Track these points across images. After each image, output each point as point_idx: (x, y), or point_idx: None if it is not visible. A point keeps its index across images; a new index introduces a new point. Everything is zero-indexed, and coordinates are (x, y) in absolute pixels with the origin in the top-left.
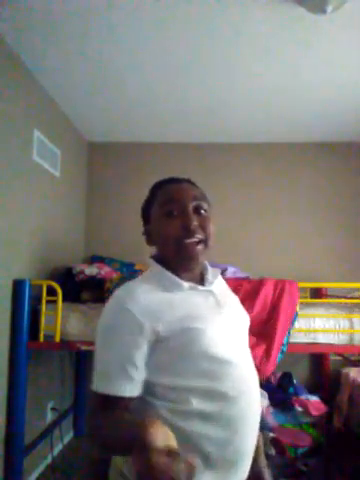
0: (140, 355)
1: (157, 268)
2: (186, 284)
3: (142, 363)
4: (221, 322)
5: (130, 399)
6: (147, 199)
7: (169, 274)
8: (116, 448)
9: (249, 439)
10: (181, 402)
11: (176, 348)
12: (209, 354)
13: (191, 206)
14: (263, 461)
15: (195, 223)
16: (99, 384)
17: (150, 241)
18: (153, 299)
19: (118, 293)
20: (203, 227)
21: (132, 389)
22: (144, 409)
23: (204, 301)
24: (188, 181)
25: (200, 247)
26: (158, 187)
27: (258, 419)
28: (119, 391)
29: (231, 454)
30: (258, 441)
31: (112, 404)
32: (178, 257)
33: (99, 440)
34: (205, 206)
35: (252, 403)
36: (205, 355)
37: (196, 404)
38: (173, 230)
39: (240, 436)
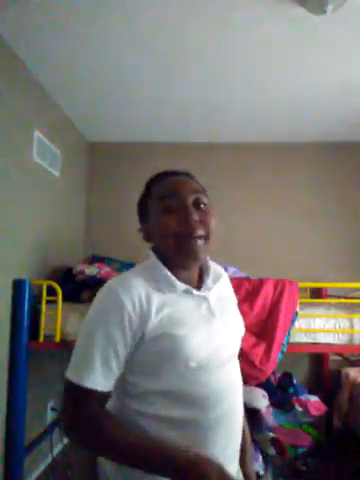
0: (124, 350)
1: (155, 262)
2: (181, 286)
3: (124, 359)
4: (209, 331)
5: (103, 394)
6: (143, 194)
7: (165, 272)
8: (129, 462)
9: (219, 446)
10: (153, 405)
11: (155, 351)
12: (187, 363)
13: (190, 200)
14: (250, 466)
15: (195, 218)
16: (76, 374)
17: (147, 238)
18: (145, 297)
19: (112, 284)
20: (203, 222)
21: (108, 384)
22: (118, 408)
23: (195, 307)
24: (186, 173)
25: (201, 243)
26: (154, 180)
27: (238, 428)
28: (96, 384)
29: None
30: (246, 445)
31: (86, 396)
32: (178, 254)
33: (96, 442)
34: (205, 200)
35: (229, 413)
36: (183, 363)
37: (167, 409)
38: (172, 225)
39: (212, 445)
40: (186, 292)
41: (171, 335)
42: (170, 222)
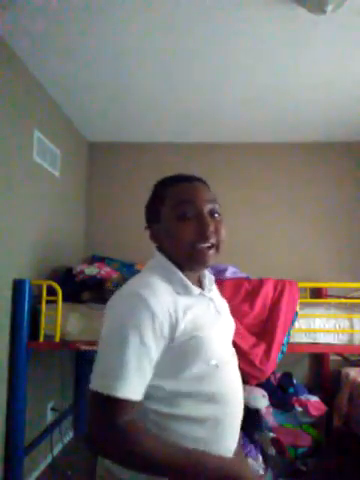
0: (156, 357)
1: (166, 263)
2: (196, 290)
3: (154, 365)
4: (218, 329)
5: (135, 402)
6: (155, 196)
7: (180, 276)
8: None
9: (232, 438)
10: (173, 404)
11: (181, 353)
12: (208, 361)
13: (207, 209)
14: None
15: (212, 229)
16: (107, 385)
17: (155, 238)
18: (173, 303)
19: (139, 290)
20: (216, 231)
21: (141, 392)
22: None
23: (206, 308)
24: (199, 180)
25: (212, 252)
26: (169, 184)
27: (240, 419)
28: (130, 393)
29: (214, 453)
30: None
31: (119, 406)
32: (188, 260)
33: (141, 461)
34: (219, 209)
35: (238, 404)
36: (205, 362)
37: (187, 407)
38: (188, 234)
39: (225, 436)
40: (199, 295)
41: (195, 337)
42: (186, 231)
